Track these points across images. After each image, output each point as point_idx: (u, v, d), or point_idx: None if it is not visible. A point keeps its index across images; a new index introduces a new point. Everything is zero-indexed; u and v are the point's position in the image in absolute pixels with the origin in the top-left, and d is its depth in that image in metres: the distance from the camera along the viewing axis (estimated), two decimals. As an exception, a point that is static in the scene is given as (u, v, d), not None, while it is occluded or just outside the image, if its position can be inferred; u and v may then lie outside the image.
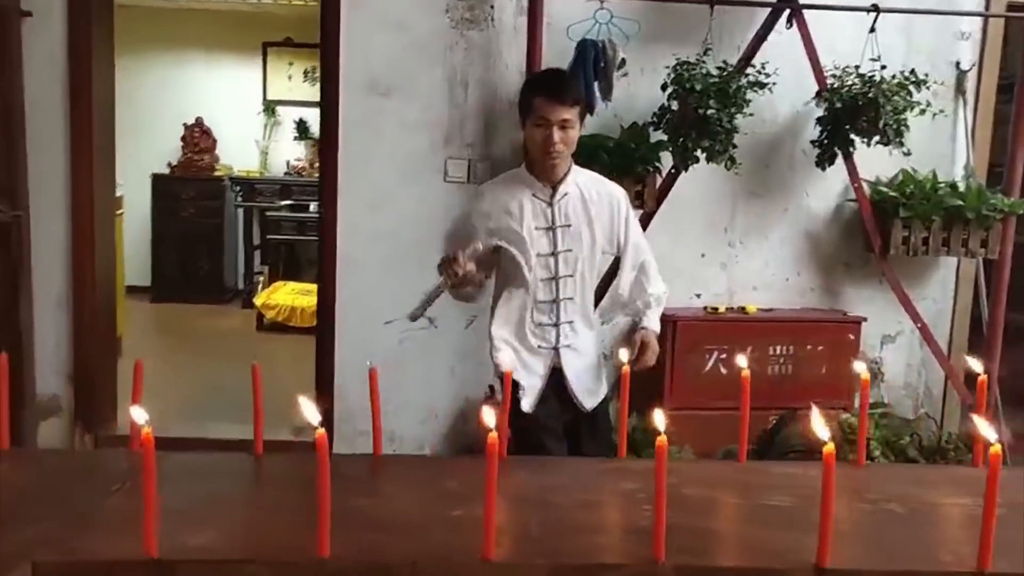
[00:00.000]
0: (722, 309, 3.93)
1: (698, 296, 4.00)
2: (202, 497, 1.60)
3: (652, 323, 2.65)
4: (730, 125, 3.46)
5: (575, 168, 2.60)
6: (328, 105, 3.73)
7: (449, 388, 3.93)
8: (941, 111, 3.72)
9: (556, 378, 2.62)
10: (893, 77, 3.56)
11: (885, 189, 3.80)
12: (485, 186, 2.73)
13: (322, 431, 1.25)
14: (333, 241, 3.80)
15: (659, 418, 1.37)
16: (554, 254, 2.55)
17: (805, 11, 3.57)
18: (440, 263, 2.46)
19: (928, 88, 3.62)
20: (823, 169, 3.72)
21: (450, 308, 3.80)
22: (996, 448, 1.33)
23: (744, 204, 3.98)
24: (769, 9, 3.60)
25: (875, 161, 3.76)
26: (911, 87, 3.59)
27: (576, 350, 2.62)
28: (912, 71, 3.61)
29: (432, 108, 3.76)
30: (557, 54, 3.56)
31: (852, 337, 3.89)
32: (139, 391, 1.81)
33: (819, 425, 1.34)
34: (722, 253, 4.01)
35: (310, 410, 1.26)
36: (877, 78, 3.54)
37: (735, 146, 3.54)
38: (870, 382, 3.98)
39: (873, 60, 3.54)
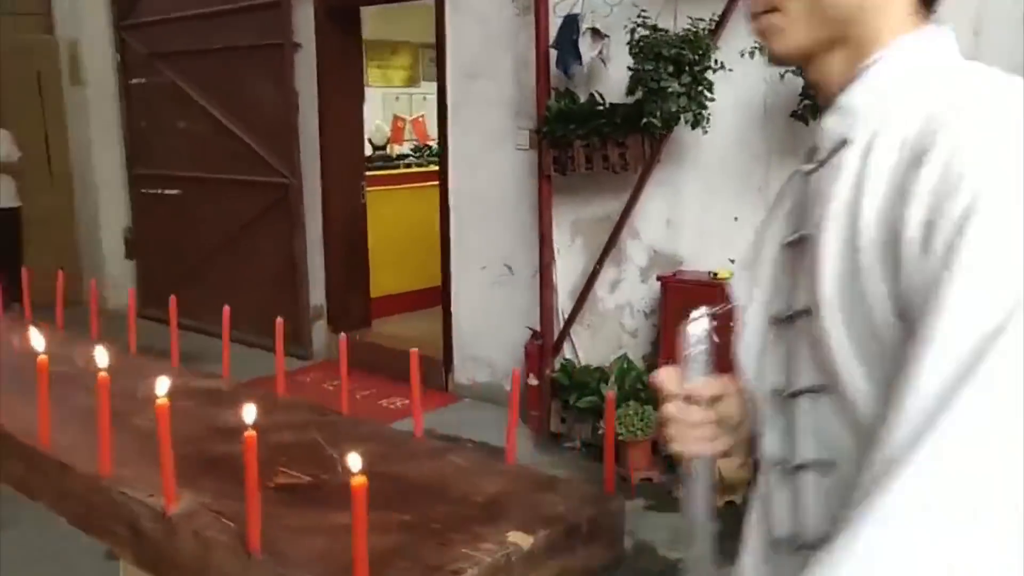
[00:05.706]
0: (726, 275, 3.72)
1: (732, 262, 3.82)
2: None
3: None
4: (688, 89, 3.41)
5: None
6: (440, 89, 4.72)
7: (519, 329, 4.52)
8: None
9: None
10: None
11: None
12: None
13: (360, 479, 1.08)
14: (446, 198, 4.79)
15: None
16: None
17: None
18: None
19: None
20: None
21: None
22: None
23: (778, 163, 3.66)
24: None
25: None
26: None
27: None
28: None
29: (506, 88, 4.43)
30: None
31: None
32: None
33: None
34: (758, 216, 3.73)
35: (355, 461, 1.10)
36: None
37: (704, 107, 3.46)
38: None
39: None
